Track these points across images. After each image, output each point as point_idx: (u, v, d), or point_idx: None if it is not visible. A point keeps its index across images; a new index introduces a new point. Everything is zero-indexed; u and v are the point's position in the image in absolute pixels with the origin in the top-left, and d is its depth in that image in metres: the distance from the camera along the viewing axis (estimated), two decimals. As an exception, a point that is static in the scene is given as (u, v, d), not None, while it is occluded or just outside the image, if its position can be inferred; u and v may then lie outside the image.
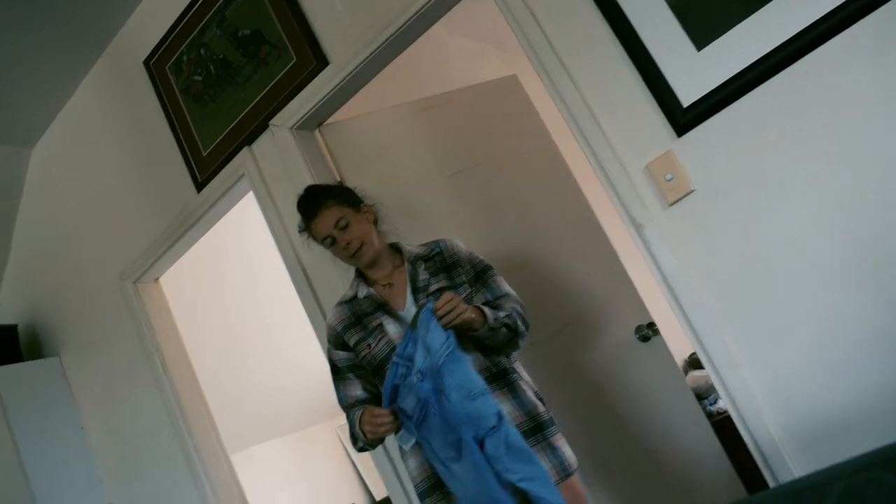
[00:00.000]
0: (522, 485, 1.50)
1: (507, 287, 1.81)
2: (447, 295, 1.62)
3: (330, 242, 1.84)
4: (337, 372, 1.85)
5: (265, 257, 3.23)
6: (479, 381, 1.56)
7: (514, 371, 1.76)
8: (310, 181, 2.37)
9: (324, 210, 1.83)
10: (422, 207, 2.36)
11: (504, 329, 1.69)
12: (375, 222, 1.91)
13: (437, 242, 1.85)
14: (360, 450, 1.78)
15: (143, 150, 3.00)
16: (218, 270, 3.66)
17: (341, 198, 1.86)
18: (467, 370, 1.57)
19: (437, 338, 1.59)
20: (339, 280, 2.34)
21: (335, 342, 1.85)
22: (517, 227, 2.42)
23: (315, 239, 1.87)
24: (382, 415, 1.61)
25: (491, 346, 1.72)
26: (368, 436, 1.66)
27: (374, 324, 1.78)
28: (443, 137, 2.51)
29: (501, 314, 1.68)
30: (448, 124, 2.50)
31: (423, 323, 1.61)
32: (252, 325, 3.73)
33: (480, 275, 1.84)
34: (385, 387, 1.60)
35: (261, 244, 3.17)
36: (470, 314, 1.63)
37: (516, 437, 1.55)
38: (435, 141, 2.51)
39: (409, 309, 1.77)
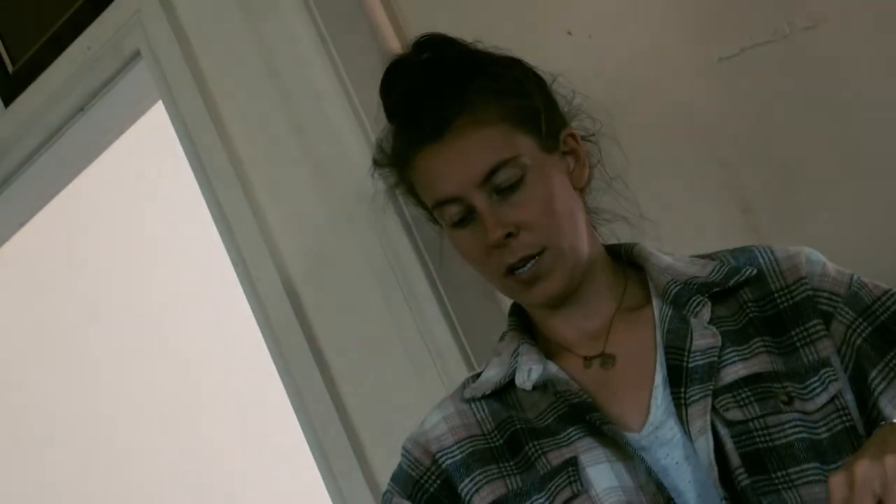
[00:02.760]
0: None
1: None
2: (841, 480, 0.85)
3: (458, 218, 1.08)
4: None
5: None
6: None
7: None
8: (330, 75, 1.50)
9: (467, 126, 1.07)
10: (642, 135, 1.40)
11: None
12: (584, 184, 1.14)
13: (750, 252, 1.11)
14: None
15: None
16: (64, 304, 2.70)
17: (516, 97, 1.10)
18: None
19: None
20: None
21: (414, 484, 1.12)
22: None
23: (417, 198, 1.14)
24: None
25: None
26: None
27: (555, 458, 1.05)
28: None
29: None
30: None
31: None
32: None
33: (890, 328, 1.06)
34: None
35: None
36: None
37: None
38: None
39: (653, 429, 1.04)
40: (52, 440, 2.79)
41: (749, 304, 1.07)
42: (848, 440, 1.01)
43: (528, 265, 1.07)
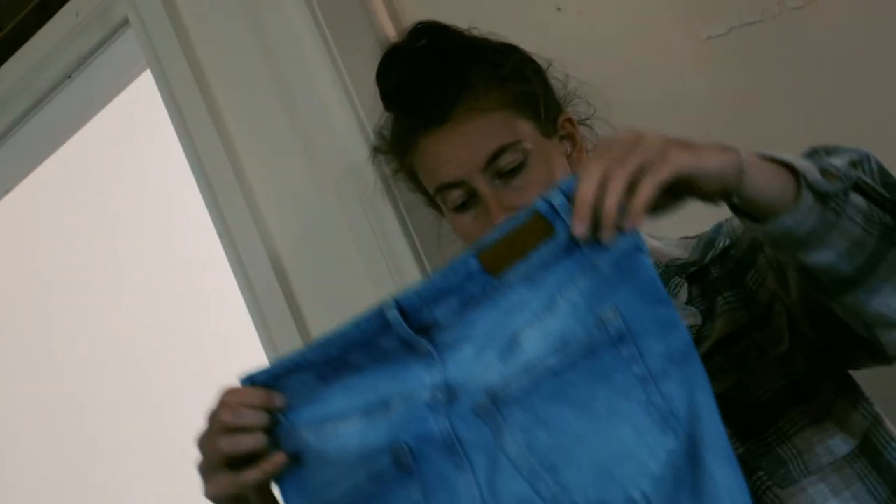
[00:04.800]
0: None
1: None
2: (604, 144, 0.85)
3: (461, 201, 1.09)
4: None
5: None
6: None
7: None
8: (320, 46, 1.44)
9: (470, 111, 1.06)
10: (628, 111, 1.26)
11: (862, 202, 0.87)
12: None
13: (718, 225, 1.13)
14: None
15: None
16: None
17: (517, 83, 1.10)
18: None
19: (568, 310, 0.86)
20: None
21: None
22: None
23: (418, 184, 1.14)
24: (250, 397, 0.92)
25: (842, 279, 0.89)
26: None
27: None
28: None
29: (836, 161, 0.92)
30: None
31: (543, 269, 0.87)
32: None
33: None
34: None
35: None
36: (717, 158, 0.85)
37: None
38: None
39: None
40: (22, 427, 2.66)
41: (711, 271, 1.07)
42: (818, 367, 1.01)
43: None
